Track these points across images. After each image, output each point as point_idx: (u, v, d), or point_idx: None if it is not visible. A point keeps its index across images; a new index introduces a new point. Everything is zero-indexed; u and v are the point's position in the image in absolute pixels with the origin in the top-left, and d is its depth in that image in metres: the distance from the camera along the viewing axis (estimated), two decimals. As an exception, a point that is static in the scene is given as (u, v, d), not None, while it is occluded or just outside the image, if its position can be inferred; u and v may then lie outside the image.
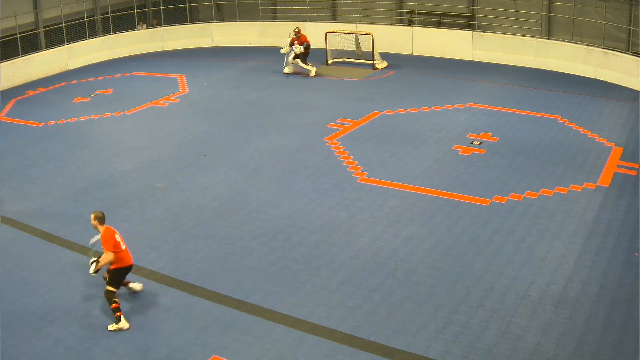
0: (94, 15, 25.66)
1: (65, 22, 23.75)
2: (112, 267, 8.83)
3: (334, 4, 27.36)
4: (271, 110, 17.82)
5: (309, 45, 21.06)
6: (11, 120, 17.86)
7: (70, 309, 9.07)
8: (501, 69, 21.38)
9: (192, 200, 12.41)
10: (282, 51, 21.51)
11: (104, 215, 9.00)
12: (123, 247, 8.92)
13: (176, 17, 27.07)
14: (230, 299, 9.17)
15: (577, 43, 20.89)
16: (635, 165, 13.26)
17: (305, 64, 21.15)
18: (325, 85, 20.27)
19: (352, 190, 12.52)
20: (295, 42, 20.95)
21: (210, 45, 26.57)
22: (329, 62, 22.84)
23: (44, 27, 24.28)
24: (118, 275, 8.88)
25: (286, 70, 21.42)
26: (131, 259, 8.96)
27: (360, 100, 18.42)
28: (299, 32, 21.01)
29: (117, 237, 8.90)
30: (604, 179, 12.66)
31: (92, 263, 8.86)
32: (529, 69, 21.33)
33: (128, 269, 8.95)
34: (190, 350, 8.13)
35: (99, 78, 22.04)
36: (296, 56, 21.06)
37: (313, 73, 21.06)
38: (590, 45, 20.48)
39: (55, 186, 13.33)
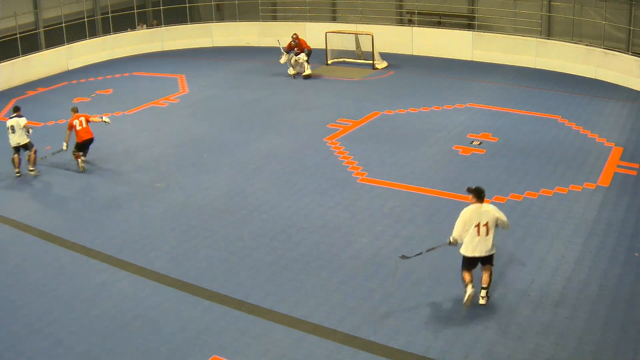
0: (94, 15, 25.66)
1: (65, 22, 23.76)
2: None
3: (334, 4, 27.36)
4: (271, 110, 17.83)
5: (310, 51, 21.01)
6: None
7: (70, 309, 9.08)
8: (501, 69, 21.39)
9: (192, 200, 12.41)
10: (281, 62, 21.34)
11: (76, 108, 14.21)
12: (78, 128, 13.73)
13: (176, 17, 27.08)
14: (230, 299, 9.17)
15: (577, 43, 20.90)
16: (635, 165, 13.26)
17: (307, 62, 21.09)
18: (325, 85, 20.27)
19: (352, 190, 12.52)
20: (295, 48, 20.88)
21: (210, 45, 26.57)
22: (329, 62, 22.84)
23: (44, 27, 24.28)
24: (74, 146, 13.92)
25: (290, 71, 21.32)
26: (81, 138, 13.74)
27: (360, 100, 18.43)
28: (296, 38, 20.91)
29: (76, 122, 13.75)
30: (604, 179, 12.66)
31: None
32: (529, 69, 21.33)
33: (77, 144, 13.85)
34: (190, 350, 8.13)
35: (99, 78, 22.05)
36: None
37: (307, 72, 20.96)
38: (590, 45, 20.49)
39: (55, 186, 13.33)
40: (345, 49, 22.89)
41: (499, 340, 8.10)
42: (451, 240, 8.62)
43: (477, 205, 8.52)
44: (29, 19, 23.90)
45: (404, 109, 17.46)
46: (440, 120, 16.36)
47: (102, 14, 25.79)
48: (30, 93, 20.61)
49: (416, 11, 25.28)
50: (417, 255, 9.11)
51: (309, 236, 10.85)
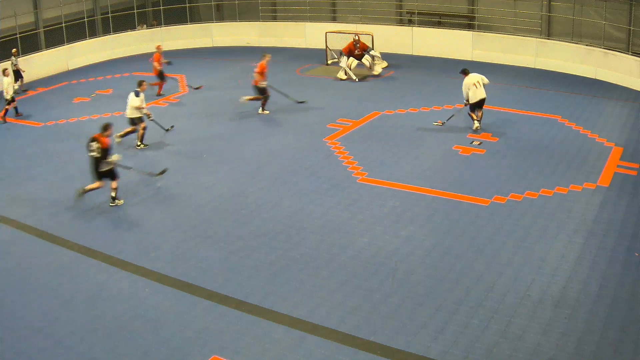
0: (94, 15, 25.68)
1: (65, 22, 23.78)
2: None
3: (334, 4, 27.38)
4: (271, 110, 17.82)
5: (371, 48, 21.17)
6: (11, 120, 17.86)
7: (70, 309, 9.08)
8: (501, 69, 21.38)
9: (192, 200, 12.41)
10: (341, 65, 21.01)
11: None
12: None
13: (176, 17, 27.09)
14: (230, 299, 9.17)
15: (577, 43, 20.90)
16: (635, 165, 13.26)
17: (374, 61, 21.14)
18: (325, 85, 20.28)
19: (352, 190, 12.52)
20: (355, 51, 20.67)
21: (210, 45, 26.59)
22: (329, 62, 22.84)
23: (44, 27, 24.30)
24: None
25: (341, 75, 21.00)
26: None
27: (360, 100, 18.43)
28: (358, 40, 20.74)
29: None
30: (604, 179, 12.66)
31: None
32: (529, 69, 21.34)
33: None
34: (190, 350, 8.13)
35: (99, 78, 22.05)
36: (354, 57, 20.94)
37: (378, 71, 21.04)
38: (590, 45, 20.49)
39: (55, 186, 13.33)
40: (345, 49, 22.89)
41: (499, 340, 8.10)
42: (465, 101, 15.05)
43: (470, 74, 14.92)
44: (29, 19, 23.92)
45: (404, 109, 17.46)
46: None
47: (102, 14, 25.82)
48: (31, 93, 20.61)
49: (416, 11, 25.29)
50: (449, 119, 15.21)
51: (309, 236, 10.85)
